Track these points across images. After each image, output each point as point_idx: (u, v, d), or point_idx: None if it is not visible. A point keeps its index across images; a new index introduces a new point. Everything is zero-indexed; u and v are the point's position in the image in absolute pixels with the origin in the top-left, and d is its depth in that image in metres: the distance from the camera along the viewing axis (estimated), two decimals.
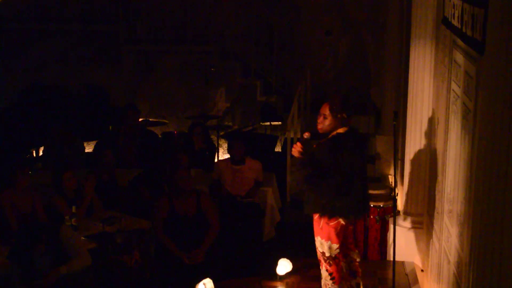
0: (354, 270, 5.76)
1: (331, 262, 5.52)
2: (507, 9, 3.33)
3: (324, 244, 5.48)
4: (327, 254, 5.50)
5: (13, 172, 6.64)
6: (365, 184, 5.56)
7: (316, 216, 5.48)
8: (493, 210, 3.57)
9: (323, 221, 5.43)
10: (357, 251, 5.81)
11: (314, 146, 5.42)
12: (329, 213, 5.38)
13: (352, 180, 5.38)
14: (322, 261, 5.57)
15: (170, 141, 9.34)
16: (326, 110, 5.42)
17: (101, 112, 11.67)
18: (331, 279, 5.54)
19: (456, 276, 4.88)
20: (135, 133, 8.85)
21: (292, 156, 5.50)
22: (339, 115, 5.40)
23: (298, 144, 5.38)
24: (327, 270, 5.55)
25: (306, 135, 5.48)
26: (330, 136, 5.44)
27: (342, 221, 5.45)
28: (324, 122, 5.44)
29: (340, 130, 5.43)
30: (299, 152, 5.33)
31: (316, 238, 5.55)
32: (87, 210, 6.82)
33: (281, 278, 6.65)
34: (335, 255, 5.50)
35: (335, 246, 5.48)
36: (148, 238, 6.52)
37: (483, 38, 3.83)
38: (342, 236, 5.52)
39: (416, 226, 6.90)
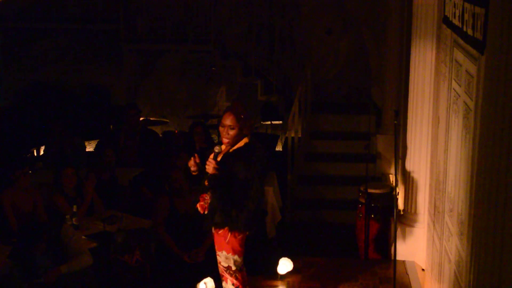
0: (246, 280, 5.59)
1: (237, 275, 5.31)
2: (508, 8, 3.34)
3: (230, 258, 5.26)
4: (233, 268, 5.29)
5: (13, 171, 6.64)
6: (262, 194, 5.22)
7: (221, 230, 5.20)
8: (494, 209, 3.58)
9: (231, 234, 5.17)
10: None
11: (218, 159, 5.04)
12: (242, 227, 5.12)
13: (263, 191, 5.12)
14: (227, 275, 5.34)
15: (171, 140, 9.32)
16: (232, 121, 5.03)
17: (101, 111, 11.66)
18: None
19: (457, 275, 4.89)
20: (136, 132, 8.84)
21: (207, 173, 5.06)
22: (248, 124, 5.07)
23: (212, 160, 4.96)
24: (233, 285, 5.34)
25: (217, 149, 5.07)
26: (236, 147, 5.13)
27: (247, 232, 5.26)
28: (231, 134, 5.06)
29: (246, 139, 5.12)
30: (214, 168, 4.94)
31: (220, 253, 5.29)
32: (87, 209, 6.82)
33: (282, 277, 6.66)
34: (240, 267, 5.32)
35: (240, 258, 5.29)
36: (149, 237, 6.52)
37: (484, 37, 3.83)
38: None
39: (417, 225, 6.90)
